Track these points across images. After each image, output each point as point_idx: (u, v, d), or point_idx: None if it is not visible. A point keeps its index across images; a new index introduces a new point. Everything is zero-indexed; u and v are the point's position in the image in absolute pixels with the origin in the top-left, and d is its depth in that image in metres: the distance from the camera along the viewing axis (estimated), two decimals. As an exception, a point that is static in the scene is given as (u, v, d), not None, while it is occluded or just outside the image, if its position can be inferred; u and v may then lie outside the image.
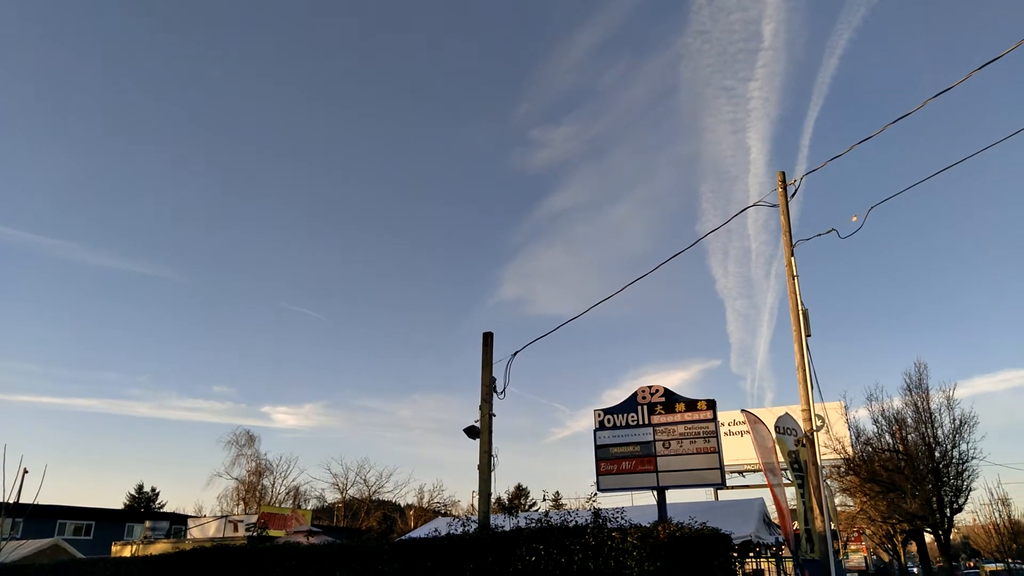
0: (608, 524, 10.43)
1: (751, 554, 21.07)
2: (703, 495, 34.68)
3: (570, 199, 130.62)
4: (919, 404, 26.75)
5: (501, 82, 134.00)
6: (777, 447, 14.61)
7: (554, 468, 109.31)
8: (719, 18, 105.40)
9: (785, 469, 14.40)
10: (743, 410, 16.76)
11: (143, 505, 62.99)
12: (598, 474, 15.36)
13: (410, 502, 59.24)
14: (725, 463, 15.53)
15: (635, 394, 15.61)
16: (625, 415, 15.48)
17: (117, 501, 70.19)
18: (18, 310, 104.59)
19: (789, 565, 27.30)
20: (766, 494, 21.68)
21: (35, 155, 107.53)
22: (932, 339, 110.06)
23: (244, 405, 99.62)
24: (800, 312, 13.30)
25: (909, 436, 27.08)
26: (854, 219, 12.81)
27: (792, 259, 13.67)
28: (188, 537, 35.09)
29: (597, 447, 15.57)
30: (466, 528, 11.99)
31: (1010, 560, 48.75)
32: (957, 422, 25.72)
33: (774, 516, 21.12)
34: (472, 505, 51.82)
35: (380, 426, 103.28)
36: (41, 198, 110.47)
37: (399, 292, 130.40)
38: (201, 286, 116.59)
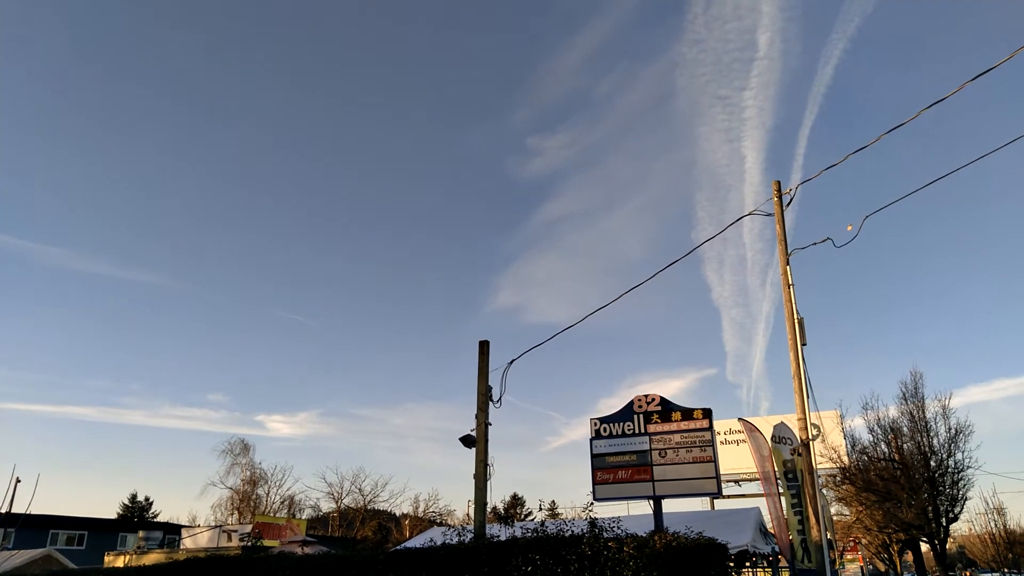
0: (604, 534, 10.40)
1: (747, 564, 21.04)
2: (699, 504, 34.56)
3: (566, 207, 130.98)
4: (915, 413, 26.81)
5: (497, 90, 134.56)
6: (773, 456, 14.61)
7: (550, 477, 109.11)
8: (715, 27, 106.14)
9: (780, 478, 14.40)
10: (740, 419, 16.78)
11: (136, 515, 62.54)
12: (594, 483, 15.31)
13: (405, 511, 59.09)
14: (721, 472, 15.50)
15: (631, 403, 15.59)
16: (621, 424, 15.45)
17: (110, 511, 69.86)
18: (11, 318, 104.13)
19: (785, 575, 27.25)
20: (763, 503, 21.66)
21: (29, 162, 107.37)
22: (927, 348, 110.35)
23: (238, 413, 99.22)
24: (796, 321, 13.33)
25: (905, 445, 27.11)
26: (849, 228, 12.86)
27: (788, 268, 13.71)
28: (182, 547, 34.83)
29: (593, 456, 15.53)
30: (462, 538, 11.95)
31: (1006, 569, 48.74)
32: (952, 431, 25.79)
33: (771, 526, 21.12)
34: (468, 514, 51.63)
35: (375, 434, 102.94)
36: (35, 205, 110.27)
37: (394, 299, 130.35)
38: (195, 294, 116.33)
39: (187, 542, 35.93)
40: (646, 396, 15.54)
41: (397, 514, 59.31)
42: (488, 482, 13.59)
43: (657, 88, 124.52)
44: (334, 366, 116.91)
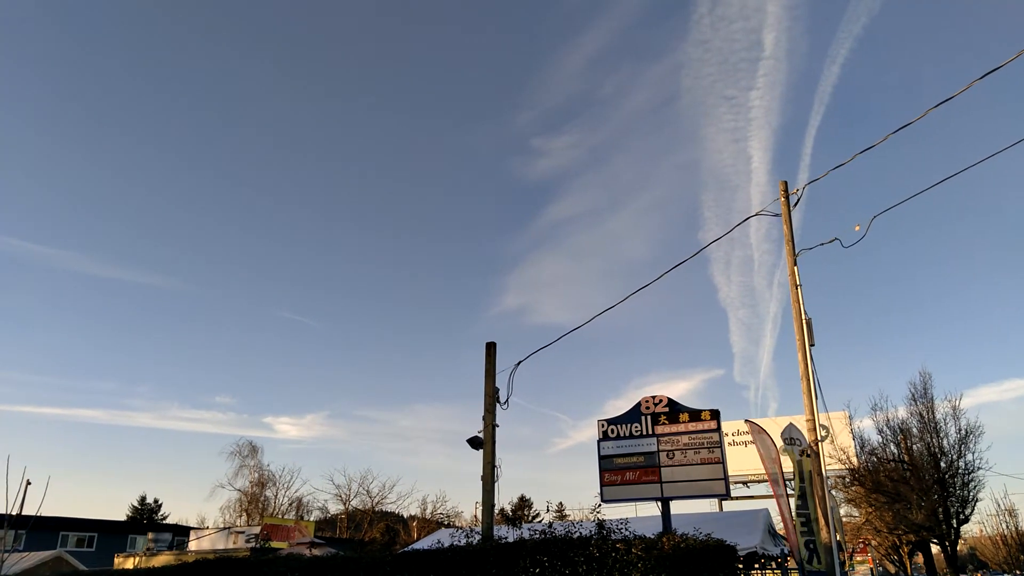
0: (612, 535, 10.39)
1: (756, 565, 20.95)
2: (708, 506, 34.57)
3: (571, 208, 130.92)
4: (924, 414, 26.65)
5: (501, 90, 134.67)
6: (782, 457, 14.55)
7: (557, 479, 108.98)
8: (720, 27, 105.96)
9: (789, 480, 14.34)
10: (747, 420, 16.71)
11: (146, 517, 62.85)
12: (602, 485, 15.30)
13: (413, 513, 59.07)
14: (729, 474, 15.46)
15: (638, 404, 15.57)
16: (628, 425, 15.43)
17: (120, 513, 70.12)
18: (19, 321, 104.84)
19: (795, 576, 27.12)
20: (771, 505, 21.57)
21: (34, 164, 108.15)
22: (937, 348, 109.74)
23: (246, 415, 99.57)
24: (803, 321, 13.28)
25: (914, 446, 26.96)
26: (857, 228, 12.82)
27: (795, 268, 13.67)
28: (191, 549, 34.99)
29: (601, 458, 15.52)
30: (469, 539, 11.96)
31: (1017, 571, 48.37)
32: (963, 432, 25.61)
33: (779, 527, 21.00)
34: (475, 516, 51.67)
35: (382, 436, 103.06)
36: (42, 208, 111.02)
37: (399, 301, 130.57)
38: (201, 296, 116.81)
39: (196, 544, 36.09)
40: (653, 397, 15.52)
41: (405, 516, 59.35)
42: (496, 484, 13.60)
43: (663, 88, 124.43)
44: (340, 368, 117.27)
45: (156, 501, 65.75)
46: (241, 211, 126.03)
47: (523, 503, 66.20)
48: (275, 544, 29.73)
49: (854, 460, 30.29)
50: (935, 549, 30.66)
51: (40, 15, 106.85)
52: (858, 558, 44.74)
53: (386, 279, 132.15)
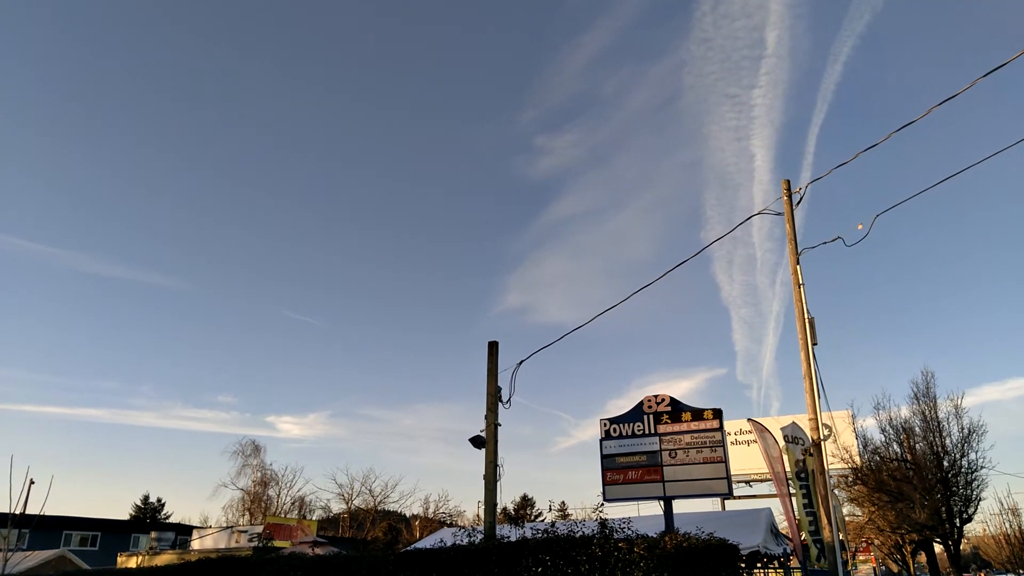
0: (615, 534, 10.38)
1: (759, 565, 20.95)
2: (710, 505, 34.48)
3: (574, 206, 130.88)
4: (927, 413, 26.62)
5: (504, 89, 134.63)
6: (784, 456, 14.53)
7: (560, 478, 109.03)
8: (723, 25, 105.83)
9: (791, 479, 14.33)
10: (750, 419, 16.69)
11: (149, 515, 62.92)
12: (604, 484, 15.29)
13: (415, 512, 59.10)
14: (732, 473, 15.45)
15: (641, 403, 15.56)
16: (631, 424, 15.43)
17: (123, 511, 70.31)
18: (21, 320, 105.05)
19: (798, 575, 27.10)
20: (774, 504, 21.56)
21: (36, 164, 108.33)
22: (939, 347, 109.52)
23: (249, 415, 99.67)
24: (806, 321, 13.26)
25: (917, 445, 26.93)
26: (860, 227, 12.78)
27: (798, 267, 13.64)
28: (193, 548, 35.03)
29: (603, 457, 15.52)
30: (472, 538, 11.96)
31: (1021, 571, 48.25)
32: (965, 431, 25.59)
33: (782, 526, 21.00)
34: (478, 515, 51.69)
35: (385, 435, 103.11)
36: (43, 207, 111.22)
37: (401, 300, 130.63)
38: (204, 295, 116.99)
39: (199, 543, 36.14)
40: (656, 396, 15.51)
41: (407, 515, 59.39)
42: (498, 483, 13.60)
43: (665, 87, 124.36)
44: (343, 367, 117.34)
45: (159, 500, 65.85)
46: (243, 210, 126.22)
47: (525, 502, 66.22)
48: (278, 543, 29.75)
49: (857, 459, 30.27)
50: (938, 548, 30.63)
51: (41, 15, 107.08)
52: (861, 557, 44.69)
53: (388, 278, 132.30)
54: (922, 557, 39.79)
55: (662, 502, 14.91)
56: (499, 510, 14.10)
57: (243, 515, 54.92)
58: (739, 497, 38.02)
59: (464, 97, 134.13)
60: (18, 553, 26.74)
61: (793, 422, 15.14)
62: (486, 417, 14.03)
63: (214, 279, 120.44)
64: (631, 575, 9.37)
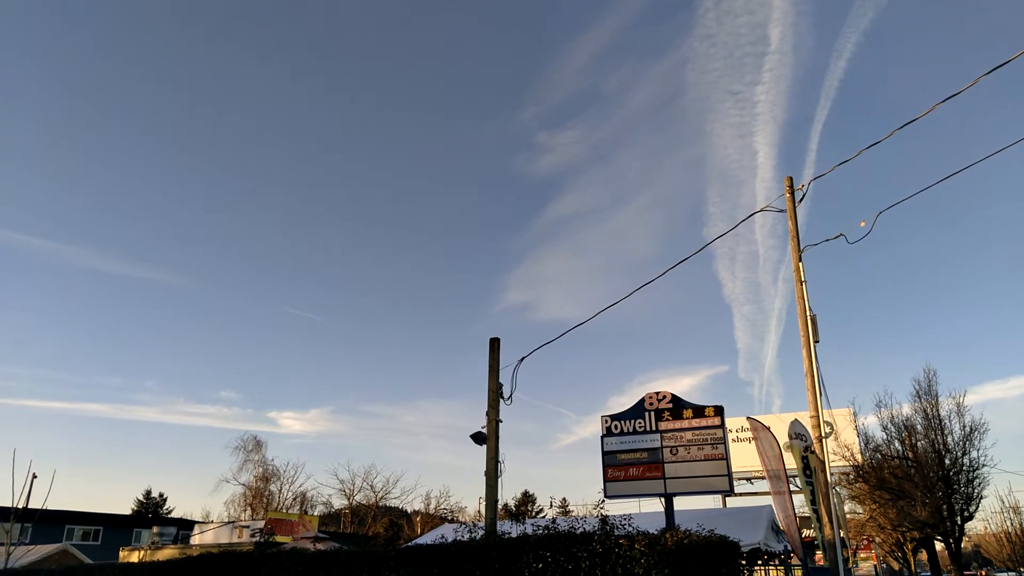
0: (615, 531, 10.38)
1: (759, 562, 20.95)
2: (711, 502, 34.50)
3: (576, 204, 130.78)
4: (928, 411, 26.59)
5: (506, 86, 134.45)
6: (784, 454, 14.53)
7: (561, 474, 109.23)
8: (726, 21, 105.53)
9: (796, 476, 14.32)
10: (749, 417, 16.70)
11: (151, 510, 63.08)
12: (605, 481, 15.30)
13: (417, 508, 59.20)
14: (733, 470, 15.44)
15: (642, 400, 15.56)
16: (632, 421, 15.42)
17: (125, 506, 70.52)
18: (25, 315, 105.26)
19: (798, 573, 27.11)
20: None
21: (40, 160, 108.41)
22: (942, 345, 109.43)
23: (251, 410, 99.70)
24: (808, 318, 13.24)
25: (919, 443, 26.91)
26: (862, 224, 12.76)
27: (800, 265, 13.62)
28: (195, 543, 35.10)
29: (604, 453, 15.52)
30: (473, 534, 11.96)
31: (1022, 569, 48.28)
32: (967, 429, 25.55)
33: (782, 524, 20.98)
34: (479, 511, 51.74)
35: (386, 431, 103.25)
36: (47, 203, 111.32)
37: (404, 297, 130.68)
38: (206, 291, 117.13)
39: (200, 538, 36.22)
40: (657, 393, 15.50)
41: (408, 511, 59.48)
42: (499, 479, 13.61)
43: (667, 84, 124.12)
44: (345, 363, 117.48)
45: (161, 495, 66.03)
46: (246, 207, 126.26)
47: (526, 499, 66.32)
48: (279, 538, 29.79)
49: (858, 457, 30.26)
50: (939, 546, 30.63)
51: (47, 13, 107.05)
52: (862, 555, 44.73)
53: (390, 275, 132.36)
54: (923, 555, 39.84)
55: (663, 499, 14.91)
56: (500, 506, 14.13)
57: (245, 510, 55.04)
58: (740, 494, 38.08)
59: (466, 94, 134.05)
60: (20, 547, 26.81)
61: (795, 419, 15.13)
62: (487, 413, 14.04)
63: (217, 275, 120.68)
64: (632, 571, 9.37)
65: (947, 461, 25.43)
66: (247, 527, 34.12)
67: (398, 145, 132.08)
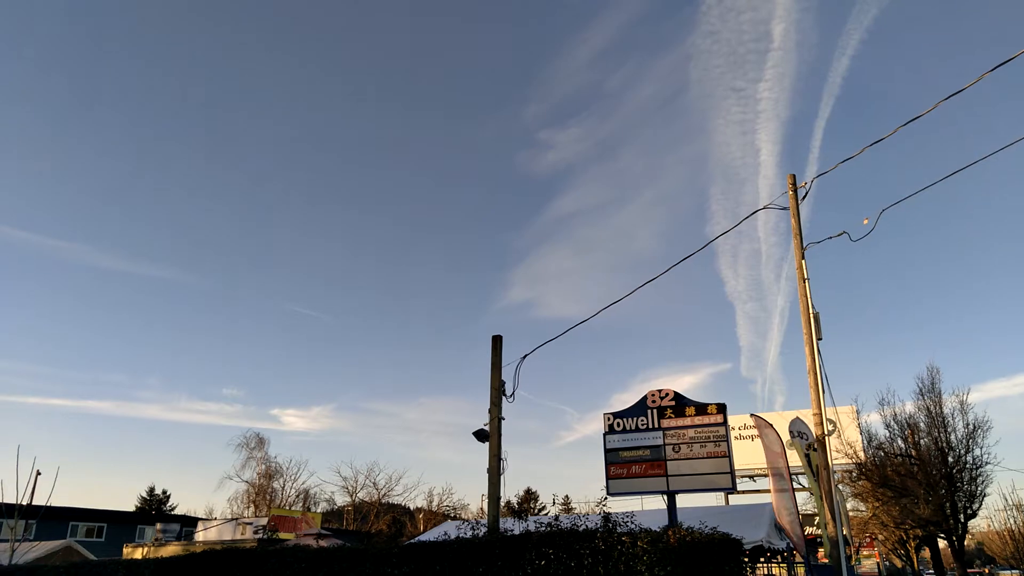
0: (618, 528, 10.38)
1: (762, 559, 20.96)
2: (714, 500, 34.50)
3: (578, 201, 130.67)
4: (932, 408, 26.53)
5: (508, 84, 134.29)
6: (786, 452, 14.53)
7: (563, 472, 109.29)
8: (729, 18, 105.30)
9: (800, 473, 14.33)
10: (752, 415, 16.69)
11: (154, 507, 63.28)
12: (607, 478, 15.30)
13: (419, 505, 59.36)
14: (736, 467, 15.43)
15: (644, 398, 15.55)
16: (635, 419, 15.42)
17: (128, 503, 70.67)
18: (27, 313, 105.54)
19: (801, 570, 27.11)
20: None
21: (45, 157, 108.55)
22: (945, 342, 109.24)
23: (253, 408, 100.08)
24: (811, 315, 13.23)
25: (922, 441, 26.86)
26: (865, 222, 12.74)
27: (803, 262, 13.61)
28: (198, 539, 35.22)
29: (606, 451, 15.51)
30: (475, 532, 11.98)
31: (1025, 567, 48.22)
32: (971, 427, 25.49)
33: (784, 521, 20.97)
34: (482, 509, 51.76)
35: (389, 429, 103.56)
36: (51, 200, 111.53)
37: (407, 294, 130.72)
38: (209, 289, 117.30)
39: (203, 534, 36.33)
40: (660, 391, 15.50)
41: (411, 508, 59.61)
42: (501, 476, 13.62)
43: (670, 81, 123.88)
44: (347, 361, 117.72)
45: (164, 492, 66.25)
46: (248, 204, 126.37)
47: (529, 496, 66.39)
48: (282, 535, 29.92)
49: (861, 454, 30.21)
50: (942, 544, 30.58)
51: (51, 7, 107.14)
52: (865, 552, 44.69)
53: (392, 272, 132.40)
54: (926, 552, 39.74)
55: (665, 497, 14.92)
56: (503, 504, 14.15)
57: (248, 507, 55.21)
58: (743, 492, 38.04)
59: (468, 92, 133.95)
60: (25, 543, 26.93)
61: (797, 417, 15.13)
62: (490, 411, 14.05)
63: (219, 272, 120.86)
64: (634, 569, 9.37)
65: (950, 459, 25.38)
66: (250, 524, 34.26)
67: (400, 142, 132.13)
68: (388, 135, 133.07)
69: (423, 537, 18.99)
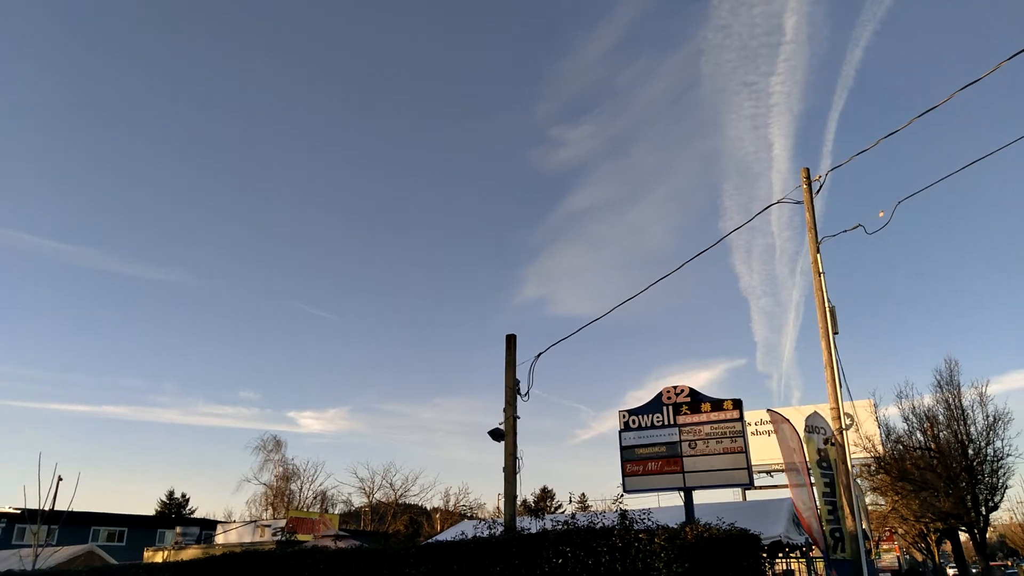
0: (635, 525, 10.36)
1: (780, 555, 20.82)
2: (731, 495, 34.32)
3: (591, 198, 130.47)
4: (951, 401, 26.33)
5: (520, 80, 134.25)
6: (805, 447, 14.44)
7: (579, 470, 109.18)
8: (740, 12, 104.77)
9: (811, 468, 14.23)
10: (769, 410, 16.60)
11: (174, 511, 63.83)
12: (624, 475, 15.28)
13: (436, 505, 59.45)
14: (753, 463, 15.37)
15: (660, 394, 15.51)
16: (650, 416, 15.38)
17: (148, 507, 71.42)
18: (45, 319, 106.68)
19: (820, 565, 26.93)
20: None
21: (57, 162, 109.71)
22: (963, 334, 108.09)
23: (270, 410, 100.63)
24: (827, 309, 13.14)
25: (941, 434, 26.64)
26: (881, 215, 12.65)
27: (818, 256, 13.52)
28: (218, 542, 35.48)
29: (622, 448, 15.49)
30: (492, 531, 11.98)
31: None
32: (991, 419, 25.29)
33: (804, 516, 20.84)
34: (498, 508, 51.79)
35: (404, 429, 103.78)
36: (63, 205, 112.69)
37: (419, 294, 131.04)
38: (224, 292, 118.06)
39: (223, 537, 36.60)
40: (675, 387, 15.45)
41: (428, 508, 59.75)
42: (517, 475, 13.63)
43: (682, 76, 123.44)
44: (362, 362, 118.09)
45: (184, 496, 66.79)
46: (262, 206, 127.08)
47: (545, 494, 66.34)
48: (300, 537, 30.05)
49: (879, 448, 30.00)
50: (963, 537, 30.30)
51: (54, 8, 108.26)
52: (884, 546, 44.36)
53: (405, 272, 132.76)
54: (947, 546, 39.39)
55: (682, 493, 14.87)
56: (519, 502, 14.15)
57: (266, 509, 55.55)
58: (760, 487, 37.79)
59: (479, 89, 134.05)
60: (47, 548, 27.24)
61: (815, 411, 15.03)
62: (505, 410, 14.06)
63: (232, 276, 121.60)
64: (652, 566, 9.35)
65: (970, 451, 25.17)
66: (269, 526, 34.44)
67: (412, 140, 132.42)
68: (399, 133, 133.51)
69: (440, 537, 19.03)
